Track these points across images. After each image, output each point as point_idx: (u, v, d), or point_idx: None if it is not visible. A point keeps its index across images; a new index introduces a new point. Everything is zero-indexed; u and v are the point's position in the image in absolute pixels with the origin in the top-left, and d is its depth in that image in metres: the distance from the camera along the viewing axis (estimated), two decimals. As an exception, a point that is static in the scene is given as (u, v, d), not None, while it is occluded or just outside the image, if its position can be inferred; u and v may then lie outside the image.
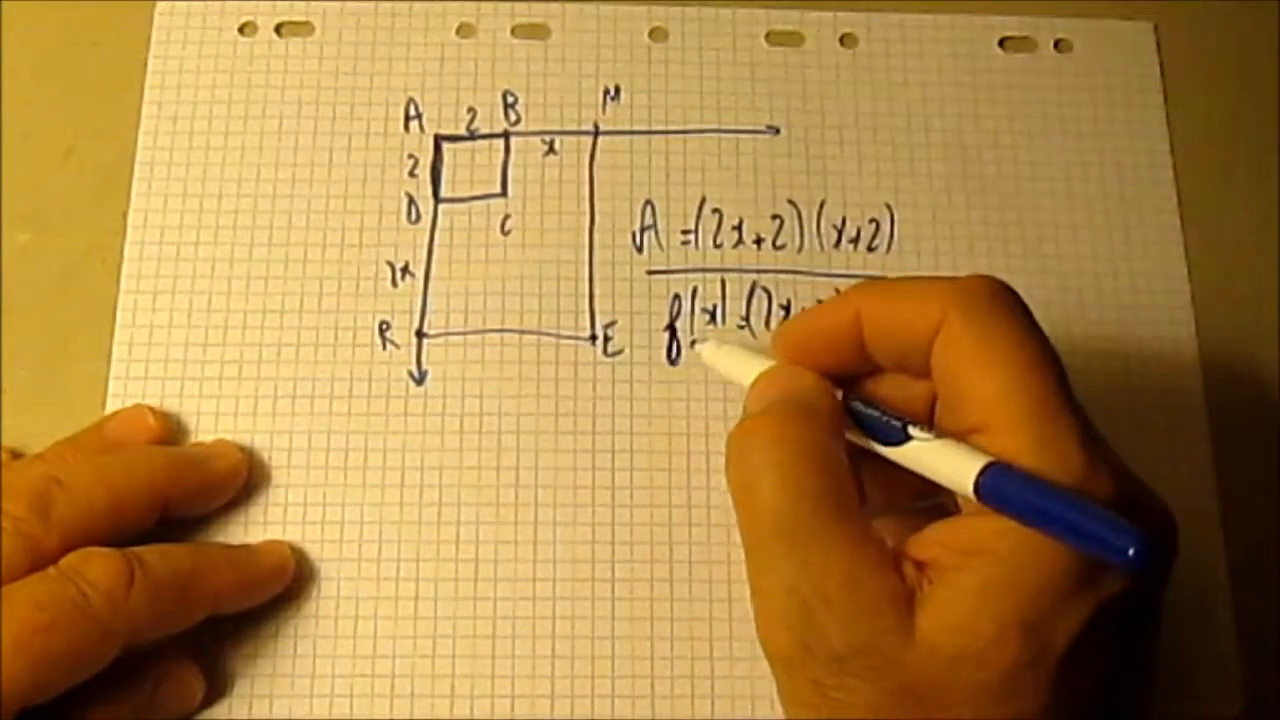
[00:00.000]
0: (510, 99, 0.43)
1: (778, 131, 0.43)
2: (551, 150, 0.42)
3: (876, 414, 0.32)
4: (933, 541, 0.30)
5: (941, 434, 0.30)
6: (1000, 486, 0.28)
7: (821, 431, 0.31)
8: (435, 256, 0.41)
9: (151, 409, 0.38)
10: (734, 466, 0.32)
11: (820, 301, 0.40)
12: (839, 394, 0.33)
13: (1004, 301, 0.31)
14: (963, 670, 0.28)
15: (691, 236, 0.41)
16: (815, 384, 0.33)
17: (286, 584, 0.37)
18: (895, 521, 0.33)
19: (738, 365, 0.35)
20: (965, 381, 0.30)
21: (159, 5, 0.43)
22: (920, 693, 0.28)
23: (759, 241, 0.41)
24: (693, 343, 0.40)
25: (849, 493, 0.31)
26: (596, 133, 0.42)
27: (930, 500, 0.33)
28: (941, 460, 0.30)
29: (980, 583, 0.28)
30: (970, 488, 0.29)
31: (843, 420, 0.32)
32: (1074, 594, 0.28)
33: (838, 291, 0.41)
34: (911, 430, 0.31)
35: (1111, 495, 0.28)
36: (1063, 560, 0.28)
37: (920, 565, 0.29)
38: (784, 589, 0.29)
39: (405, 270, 0.40)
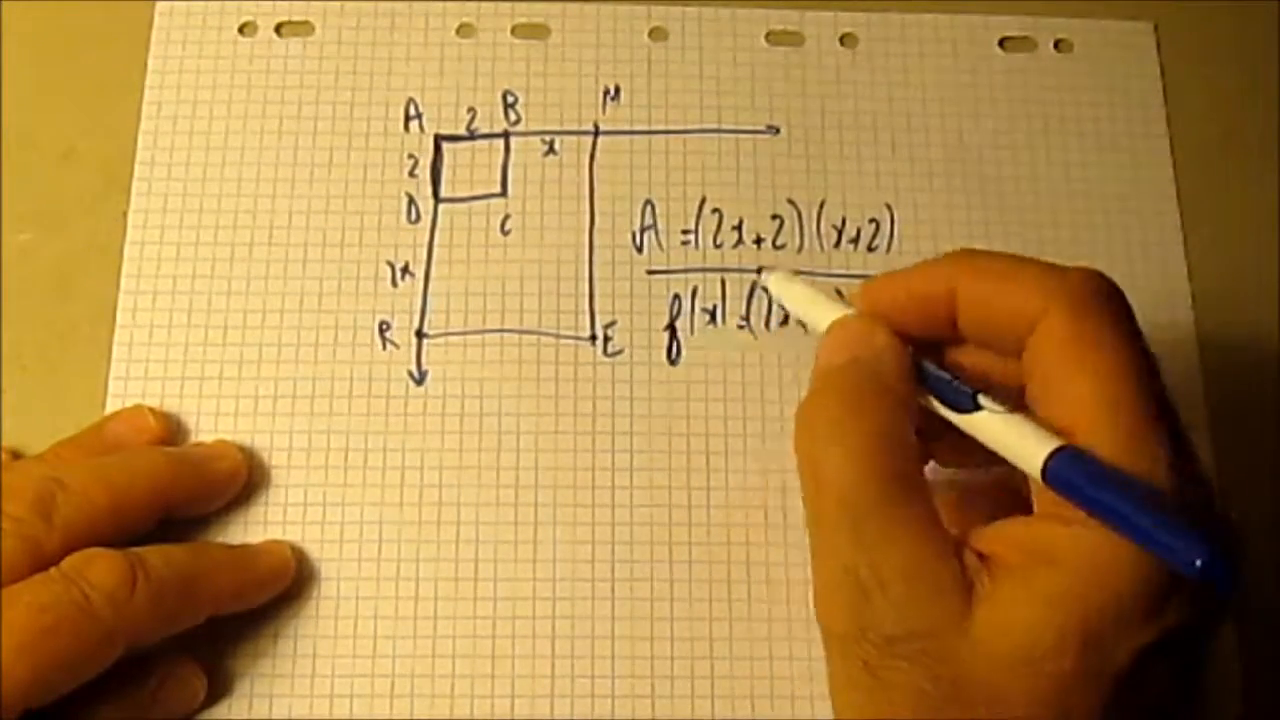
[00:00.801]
0: (510, 99, 0.43)
1: (778, 131, 0.43)
2: (551, 150, 0.42)
3: (947, 377, 0.31)
4: (1001, 537, 0.29)
5: (1014, 408, 0.29)
6: (1070, 472, 0.28)
7: (892, 408, 0.30)
8: (435, 256, 0.41)
9: (151, 409, 0.38)
10: (801, 439, 0.31)
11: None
12: (910, 357, 0.32)
13: (1109, 302, 0.30)
14: (1018, 673, 0.27)
15: (691, 236, 0.41)
16: (889, 348, 0.31)
17: (287, 584, 0.37)
18: (962, 508, 0.32)
19: (808, 303, 0.34)
20: (1059, 380, 0.29)
21: (159, 5, 0.43)
22: (969, 687, 0.28)
23: (759, 241, 0.41)
24: (759, 270, 0.39)
25: (915, 473, 0.30)
26: (596, 133, 0.42)
27: (999, 465, 0.32)
28: (1011, 435, 0.29)
29: (1047, 589, 0.27)
30: (1038, 468, 0.28)
31: (914, 391, 0.31)
32: (1140, 617, 0.27)
33: (839, 292, 0.40)
34: (982, 399, 0.30)
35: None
36: (1134, 581, 0.27)
37: (984, 558, 0.29)
38: (842, 568, 0.29)
39: (405, 270, 0.40)
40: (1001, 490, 0.33)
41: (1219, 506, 0.29)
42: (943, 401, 0.31)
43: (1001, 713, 0.27)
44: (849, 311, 0.33)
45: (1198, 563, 0.25)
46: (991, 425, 0.30)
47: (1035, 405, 0.30)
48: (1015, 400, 0.30)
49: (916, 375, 0.31)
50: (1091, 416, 0.28)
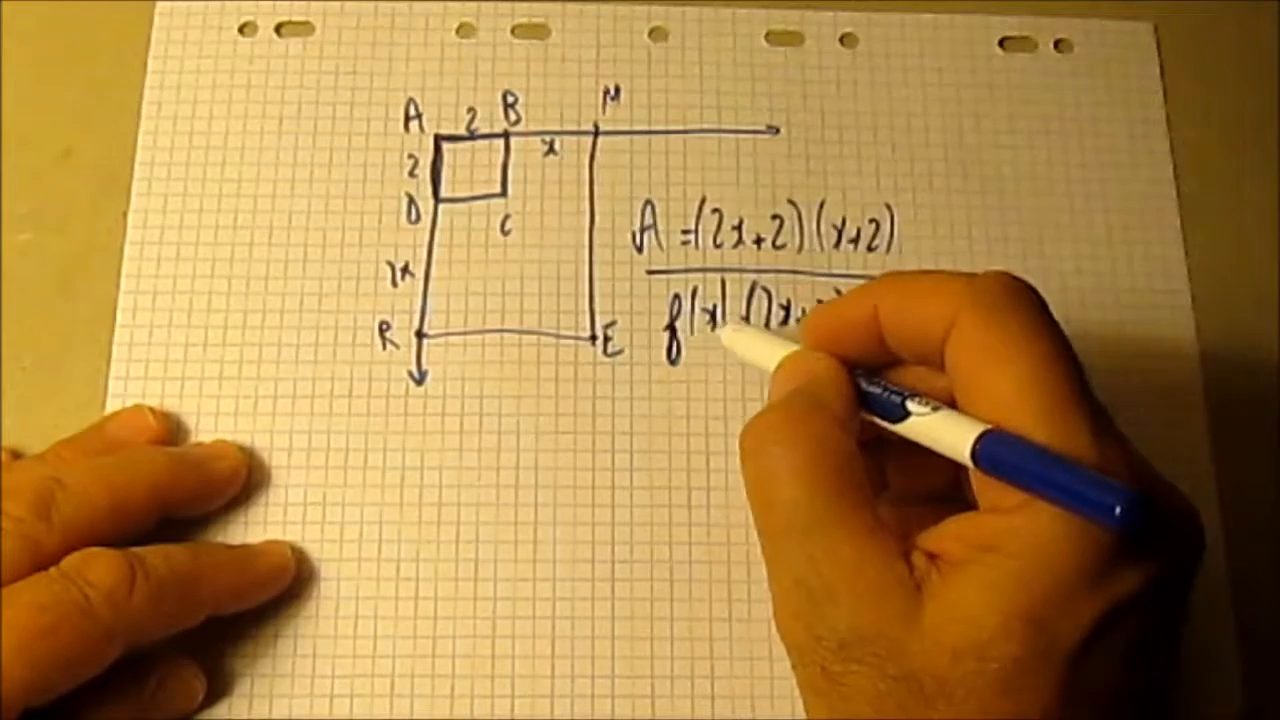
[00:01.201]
0: (510, 99, 0.43)
1: (778, 131, 0.43)
2: (551, 150, 0.42)
3: (878, 391, 0.32)
4: (946, 535, 0.30)
5: (939, 406, 0.31)
6: (996, 452, 0.29)
7: (832, 426, 0.32)
8: (435, 256, 0.41)
9: (151, 409, 0.38)
10: (748, 463, 0.32)
11: (826, 299, 0.40)
12: (850, 379, 0.33)
13: (1018, 298, 0.31)
14: (966, 662, 0.28)
15: (691, 236, 0.41)
16: (828, 372, 0.33)
17: (286, 584, 0.37)
18: (917, 515, 0.33)
19: (757, 349, 0.36)
20: (977, 380, 0.30)
21: (159, 5, 0.43)
22: (924, 682, 0.28)
23: (759, 241, 0.41)
24: (711, 327, 0.40)
25: (858, 484, 0.31)
26: (596, 133, 0.42)
27: (949, 495, 0.33)
28: (941, 431, 0.30)
29: (987, 576, 0.28)
30: (968, 455, 0.29)
31: (855, 410, 0.33)
32: (1085, 592, 0.28)
33: (838, 292, 0.41)
34: (909, 405, 0.31)
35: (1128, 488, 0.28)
36: (1072, 556, 0.28)
37: (932, 557, 0.30)
38: (793, 580, 0.30)
39: (405, 270, 0.40)
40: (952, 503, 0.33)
41: (1152, 474, 0.30)
42: (879, 415, 0.32)
43: (958, 704, 0.28)
44: (796, 349, 0.35)
45: (1116, 510, 0.26)
46: (921, 425, 0.31)
47: (963, 408, 0.31)
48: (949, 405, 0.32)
49: (856, 395, 0.33)
50: (1011, 406, 0.29)
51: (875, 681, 0.29)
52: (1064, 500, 0.28)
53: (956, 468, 0.31)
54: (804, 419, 0.32)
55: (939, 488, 0.34)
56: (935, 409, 0.31)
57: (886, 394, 0.32)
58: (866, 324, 0.33)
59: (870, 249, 0.41)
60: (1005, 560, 0.28)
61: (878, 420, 0.32)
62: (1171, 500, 0.30)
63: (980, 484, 0.30)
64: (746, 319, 0.40)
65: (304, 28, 0.43)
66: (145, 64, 0.42)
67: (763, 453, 0.32)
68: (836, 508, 0.30)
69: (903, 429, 0.31)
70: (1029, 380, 0.29)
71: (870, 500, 0.31)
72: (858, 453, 0.32)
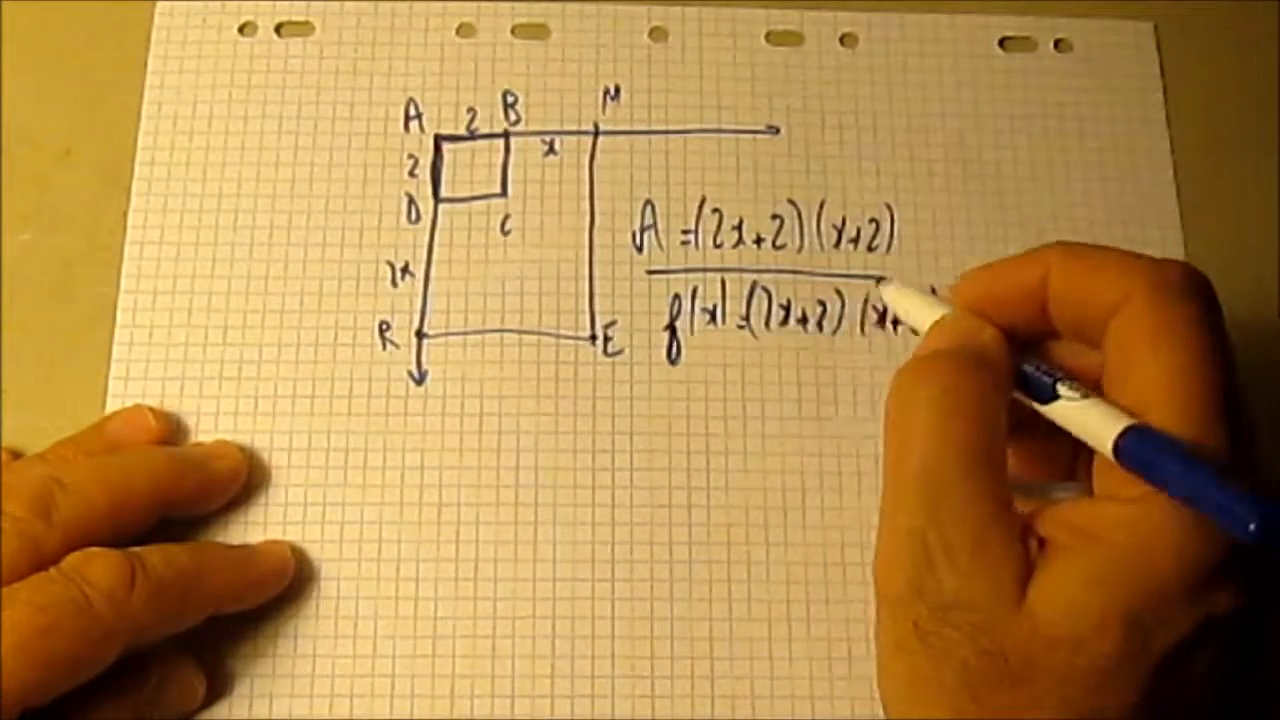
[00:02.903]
0: (510, 99, 0.43)
1: (778, 131, 0.43)
2: (551, 150, 0.42)
3: (1031, 369, 0.32)
4: (1055, 519, 0.30)
5: (1089, 394, 0.30)
6: (1138, 447, 0.28)
7: (989, 387, 0.31)
8: (435, 256, 0.41)
9: (151, 409, 0.38)
10: (895, 401, 0.32)
11: (826, 299, 0.40)
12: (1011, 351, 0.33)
13: (1192, 291, 0.30)
14: (1059, 652, 0.28)
15: (691, 236, 0.41)
16: (994, 339, 0.32)
17: (286, 584, 0.37)
18: (1034, 497, 0.33)
19: (916, 309, 0.35)
20: (1134, 361, 0.30)
21: (159, 5, 0.43)
22: (1013, 663, 0.28)
23: (759, 241, 0.41)
24: (878, 280, 0.40)
25: (999, 453, 0.31)
26: (596, 133, 0.42)
27: (1066, 490, 0.33)
28: (1087, 418, 0.30)
29: (1092, 568, 0.28)
30: (1109, 446, 0.29)
31: (1012, 381, 0.32)
32: (1183, 601, 0.28)
33: (839, 293, 0.41)
34: (1060, 388, 0.31)
35: None
36: (1179, 562, 0.28)
37: (1042, 541, 0.29)
38: (910, 530, 0.30)
39: (405, 270, 0.40)
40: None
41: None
42: (1027, 394, 0.32)
43: (1042, 690, 0.28)
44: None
45: (1252, 526, 0.26)
46: (1068, 411, 0.30)
47: (1110, 387, 0.31)
48: (1099, 390, 0.31)
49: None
50: (1160, 392, 0.29)
51: (966, 650, 0.29)
52: (1202, 505, 0.27)
53: (1073, 461, 0.31)
54: (969, 371, 0.31)
55: (1054, 476, 0.33)
56: (1085, 395, 0.30)
57: (1038, 373, 0.32)
58: (1030, 290, 0.32)
59: (870, 249, 0.41)
60: (1110, 555, 0.28)
61: (1022, 398, 0.32)
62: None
63: (1102, 469, 0.30)
64: (747, 319, 0.40)
65: (304, 28, 0.43)
66: (145, 64, 0.42)
67: (916, 392, 0.31)
68: (976, 470, 0.30)
69: (1049, 410, 0.31)
70: (1184, 372, 0.29)
71: (1005, 474, 0.31)
72: (1005, 423, 0.31)
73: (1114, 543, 0.28)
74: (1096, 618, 0.28)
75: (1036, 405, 0.31)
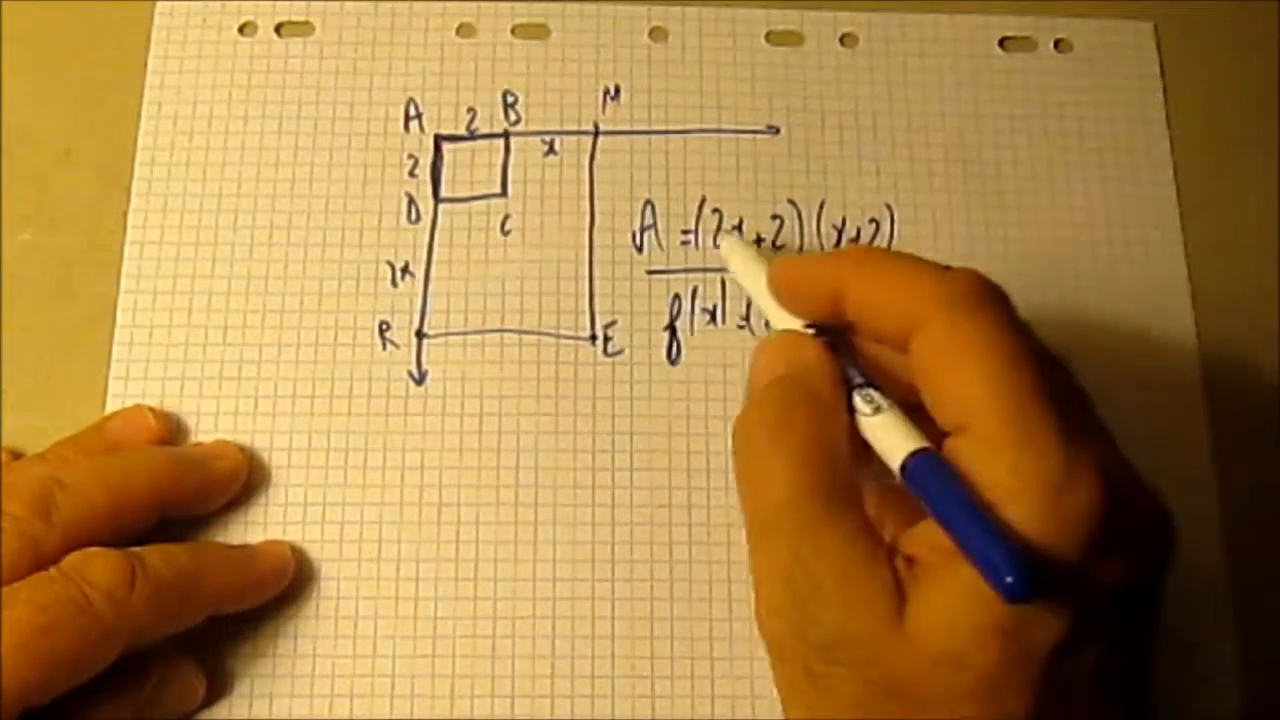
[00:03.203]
0: (510, 99, 0.43)
1: (778, 131, 0.43)
2: (551, 150, 0.42)
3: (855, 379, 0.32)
4: (917, 539, 0.30)
5: (882, 408, 0.30)
6: (919, 476, 0.29)
7: (823, 420, 0.31)
8: (435, 256, 0.41)
9: (151, 409, 0.38)
10: (739, 456, 0.32)
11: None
12: (838, 363, 0.33)
13: (986, 299, 0.31)
14: (943, 670, 0.28)
15: (691, 236, 0.41)
16: (817, 359, 0.32)
17: (286, 584, 0.37)
18: (896, 497, 0.33)
19: (748, 269, 0.36)
20: (945, 380, 0.30)
21: (159, 5, 0.43)
22: (903, 688, 0.28)
23: (759, 241, 0.41)
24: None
25: (848, 483, 0.31)
26: (596, 133, 0.42)
27: None
28: (877, 435, 0.30)
29: (958, 585, 0.28)
30: (897, 468, 0.29)
31: (843, 397, 0.32)
32: (1055, 599, 0.28)
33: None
34: (856, 398, 0.31)
35: (1095, 493, 0.28)
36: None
37: (909, 561, 0.29)
38: (780, 577, 0.30)
39: (405, 270, 0.40)
40: None
41: (1125, 476, 0.29)
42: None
43: (935, 710, 0.28)
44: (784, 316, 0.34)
45: (1008, 580, 0.26)
46: (865, 426, 0.31)
47: (930, 408, 0.31)
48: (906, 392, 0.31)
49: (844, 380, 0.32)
50: (978, 406, 0.29)
51: (855, 684, 0.29)
52: (965, 549, 0.27)
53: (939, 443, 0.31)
54: (795, 412, 0.31)
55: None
56: (877, 410, 0.30)
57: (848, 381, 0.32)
58: (831, 294, 0.32)
59: (870, 249, 0.41)
60: (973, 570, 0.28)
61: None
62: (1142, 502, 0.30)
63: None
64: (747, 319, 0.40)
65: (304, 28, 0.43)
66: (145, 64, 0.42)
67: (753, 448, 0.32)
68: (826, 507, 0.30)
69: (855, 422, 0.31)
70: (996, 382, 0.29)
71: (859, 499, 0.31)
72: (848, 447, 0.31)
73: None
74: (972, 633, 0.28)
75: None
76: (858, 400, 0.31)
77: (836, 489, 0.30)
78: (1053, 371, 0.30)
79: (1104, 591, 0.28)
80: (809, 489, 0.30)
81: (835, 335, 0.33)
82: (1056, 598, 0.28)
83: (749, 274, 0.36)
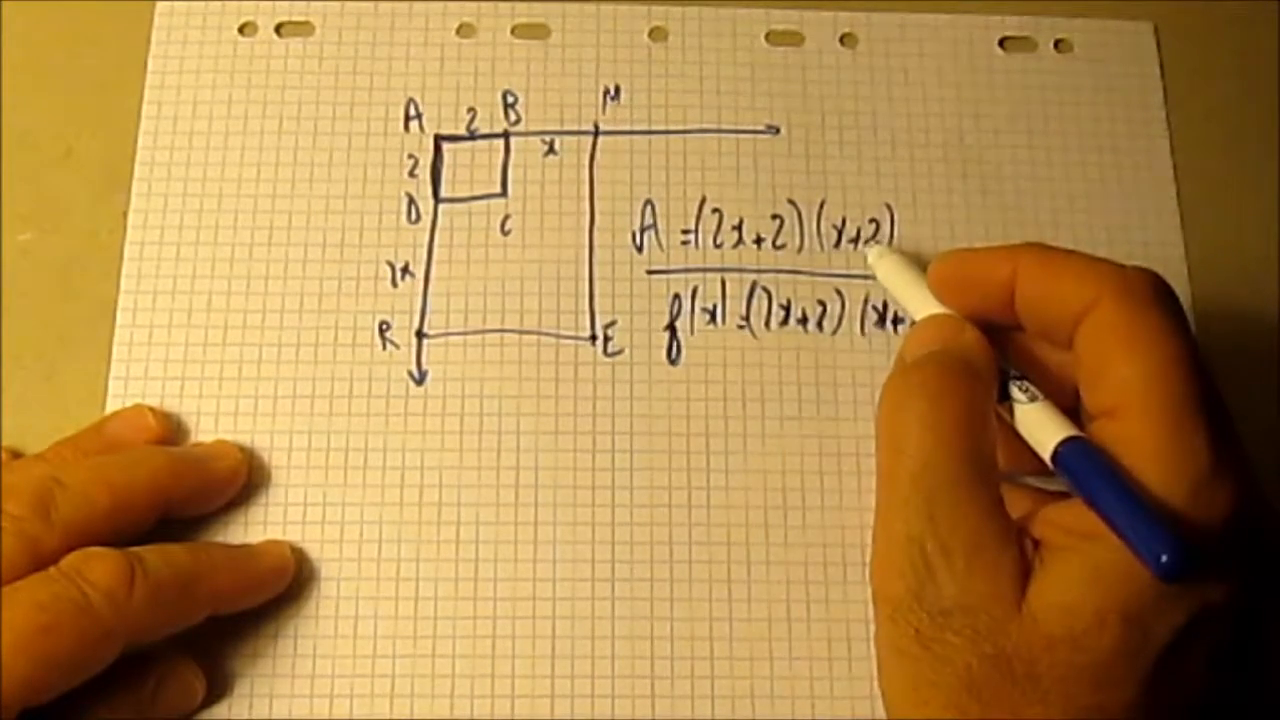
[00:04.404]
0: (510, 99, 0.43)
1: (778, 131, 0.43)
2: (551, 150, 0.42)
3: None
4: (1049, 521, 0.30)
5: (1038, 397, 0.31)
6: (1073, 460, 0.29)
7: (979, 393, 0.32)
8: (435, 256, 0.41)
9: (151, 409, 0.38)
10: (886, 409, 0.32)
11: (826, 299, 0.40)
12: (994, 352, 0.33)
13: (1162, 297, 0.31)
14: (1059, 650, 0.28)
15: (691, 236, 0.41)
16: (977, 342, 0.33)
17: (286, 584, 0.37)
18: (1026, 497, 0.33)
19: (901, 285, 0.36)
20: (1107, 364, 0.30)
21: (159, 5, 0.43)
22: (1014, 664, 0.28)
23: (759, 241, 0.41)
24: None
25: (990, 458, 0.31)
26: (596, 133, 0.42)
27: (1047, 478, 0.33)
28: (1031, 422, 0.31)
29: (1087, 567, 0.28)
30: (1049, 454, 0.29)
31: (996, 383, 0.32)
32: (1177, 593, 0.28)
33: (839, 293, 0.41)
34: (1012, 388, 0.31)
35: (1228, 504, 0.28)
36: None
37: (1037, 543, 0.30)
38: (907, 536, 0.30)
39: (405, 270, 0.40)
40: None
41: (1257, 498, 0.30)
42: None
43: (1044, 690, 0.28)
44: (939, 310, 0.35)
45: (1162, 558, 0.27)
46: (1018, 413, 0.31)
47: (1083, 390, 0.31)
48: (1068, 394, 0.32)
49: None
50: (1137, 396, 0.29)
51: (967, 655, 0.29)
52: (1119, 528, 0.28)
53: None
54: (956, 378, 0.32)
55: (1035, 468, 0.33)
56: (1033, 399, 0.31)
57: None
58: (1001, 284, 0.33)
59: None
60: (1106, 552, 0.28)
61: None
62: (1270, 526, 0.30)
63: None
64: (747, 319, 0.40)
65: (304, 28, 0.43)
66: (145, 64, 0.42)
67: (905, 408, 0.32)
68: (969, 475, 0.30)
69: (999, 407, 0.32)
70: (1159, 375, 0.29)
71: (997, 476, 0.31)
72: (995, 425, 0.32)
73: (1108, 541, 0.29)
74: (1094, 615, 0.28)
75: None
76: (1014, 389, 0.31)
77: (982, 461, 0.31)
78: (1212, 385, 0.30)
79: (1219, 600, 0.28)
80: (959, 455, 0.31)
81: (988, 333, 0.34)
82: (1180, 595, 0.28)
83: (901, 277, 0.37)
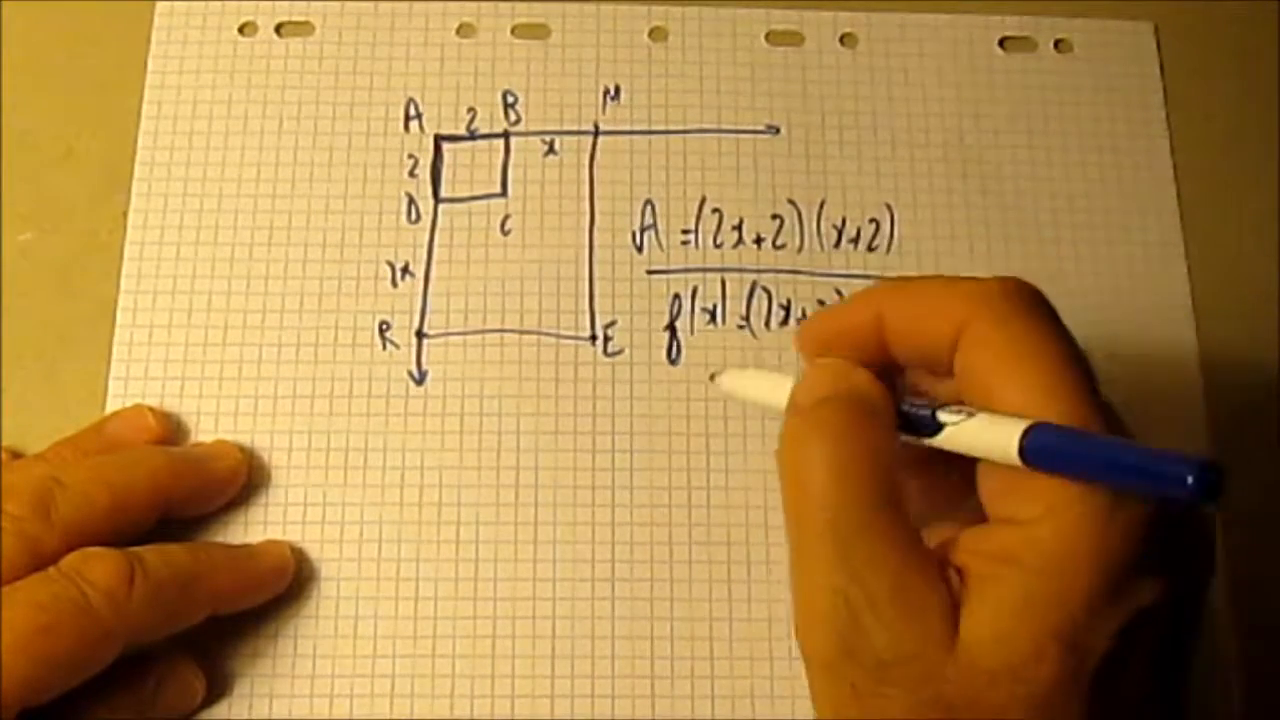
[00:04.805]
0: (510, 99, 0.43)
1: (778, 131, 0.43)
2: (551, 150, 0.42)
3: (906, 406, 0.31)
4: (969, 549, 0.29)
5: (973, 412, 0.30)
6: (1047, 444, 0.28)
7: (879, 431, 0.31)
8: (435, 256, 0.41)
9: (151, 409, 0.38)
10: (788, 459, 0.31)
11: (826, 299, 0.40)
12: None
13: (1030, 300, 0.30)
14: (1001, 685, 0.27)
15: (691, 236, 0.41)
16: (869, 380, 0.32)
17: (286, 584, 0.37)
18: (941, 525, 0.32)
19: (765, 386, 0.35)
20: (993, 385, 0.29)
21: (159, 5, 0.43)
22: (956, 706, 0.27)
23: (759, 241, 0.41)
24: (711, 376, 0.38)
25: (900, 496, 0.30)
26: (596, 133, 0.42)
27: (967, 506, 0.32)
28: (980, 434, 0.29)
29: (1017, 595, 0.28)
30: (1015, 453, 0.28)
31: (894, 419, 0.31)
32: (1108, 604, 0.27)
33: (839, 293, 0.41)
34: (941, 415, 0.30)
35: (1150, 504, 0.28)
36: (1097, 570, 0.27)
37: (959, 571, 0.29)
38: (830, 589, 0.29)
39: (405, 270, 0.40)
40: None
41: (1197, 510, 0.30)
42: (910, 431, 0.31)
43: None
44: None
45: (1190, 479, 0.25)
46: (958, 434, 0.30)
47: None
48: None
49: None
50: (1037, 404, 0.28)
51: (907, 703, 0.28)
52: (1131, 480, 0.27)
53: (970, 485, 0.30)
54: (855, 421, 0.31)
55: (954, 505, 0.33)
56: (970, 415, 0.29)
57: (914, 408, 0.31)
58: (868, 330, 0.32)
59: (870, 249, 0.41)
60: (1031, 577, 0.28)
61: (907, 437, 0.31)
62: (1188, 520, 0.29)
63: (993, 496, 0.30)
64: (747, 319, 0.40)
65: (304, 28, 0.43)
66: (145, 64, 0.42)
67: (807, 451, 0.31)
68: (882, 516, 0.29)
69: (939, 441, 0.30)
70: (1045, 382, 0.29)
71: (908, 515, 0.30)
72: (897, 463, 0.31)
73: (1030, 565, 0.28)
74: (1031, 644, 0.27)
75: (924, 440, 0.31)
76: (943, 416, 0.30)
77: (893, 500, 0.30)
78: (1093, 376, 0.30)
79: (1152, 601, 0.28)
80: (868, 497, 0.29)
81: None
82: (1111, 606, 0.27)
83: (756, 380, 0.36)
